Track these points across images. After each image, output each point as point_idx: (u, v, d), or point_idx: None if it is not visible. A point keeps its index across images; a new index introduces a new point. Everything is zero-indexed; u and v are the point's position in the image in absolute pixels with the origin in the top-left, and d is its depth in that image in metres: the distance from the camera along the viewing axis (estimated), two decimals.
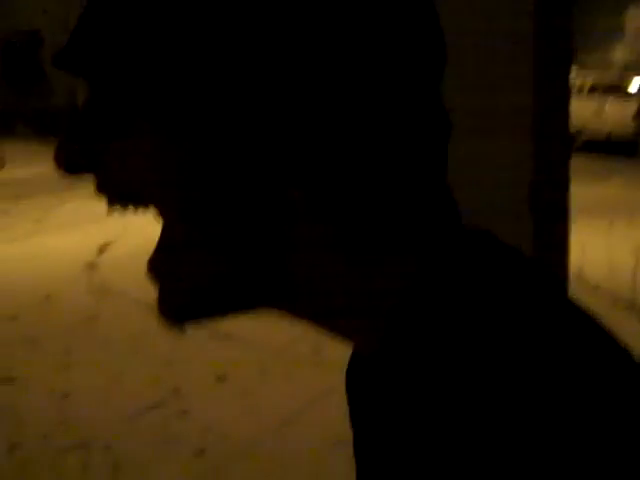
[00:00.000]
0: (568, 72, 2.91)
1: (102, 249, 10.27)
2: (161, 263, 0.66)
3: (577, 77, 19.95)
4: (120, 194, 0.65)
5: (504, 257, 0.62)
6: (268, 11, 0.56)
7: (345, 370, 0.71)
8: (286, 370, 6.10)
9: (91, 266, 9.54)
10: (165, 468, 4.73)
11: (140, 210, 0.65)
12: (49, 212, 13.23)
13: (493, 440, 0.52)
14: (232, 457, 4.80)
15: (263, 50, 0.57)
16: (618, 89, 19.92)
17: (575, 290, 2.54)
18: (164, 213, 0.64)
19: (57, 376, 6.27)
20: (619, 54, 28.74)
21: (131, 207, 0.65)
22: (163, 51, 0.58)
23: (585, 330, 0.57)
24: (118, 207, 0.65)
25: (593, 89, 20.05)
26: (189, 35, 0.57)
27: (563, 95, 2.88)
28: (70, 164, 0.64)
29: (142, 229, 11.12)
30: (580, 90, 19.61)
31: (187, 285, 0.65)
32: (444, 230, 0.63)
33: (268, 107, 0.57)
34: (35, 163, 18.87)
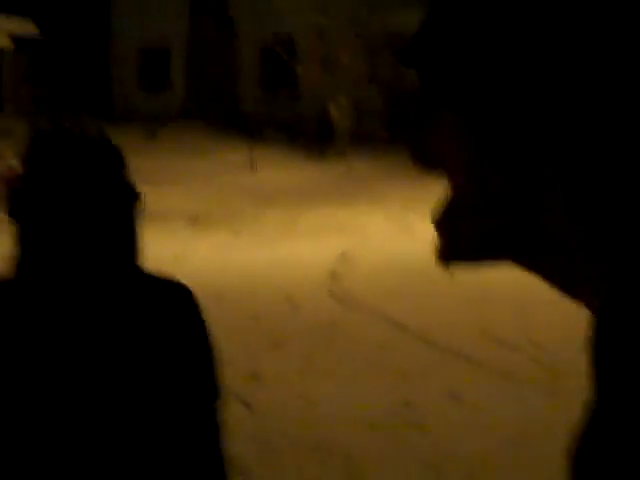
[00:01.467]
0: None
1: (344, 258, 10.65)
2: (444, 219, 0.87)
3: None
4: (429, 165, 0.87)
5: None
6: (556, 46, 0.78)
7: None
8: (519, 394, 6.18)
9: (333, 274, 9.94)
10: (399, 478, 4.96)
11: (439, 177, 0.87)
12: (296, 219, 13.82)
13: None
14: (465, 474, 4.96)
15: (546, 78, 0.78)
16: None
17: None
18: (456, 182, 0.86)
19: (299, 378, 6.63)
20: None
21: (434, 172, 0.87)
22: (480, 60, 0.80)
23: None
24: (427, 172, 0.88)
25: None
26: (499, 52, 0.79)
27: None
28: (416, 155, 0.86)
29: (382, 245, 11.48)
30: None
31: (458, 235, 0.87)
32: None
33: (544, 121, 0.79)
34: (283, 169, 19.69)
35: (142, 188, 1.80)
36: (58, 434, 1.74)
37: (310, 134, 23.38)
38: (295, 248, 11.59)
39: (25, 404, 1.74)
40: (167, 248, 10.89)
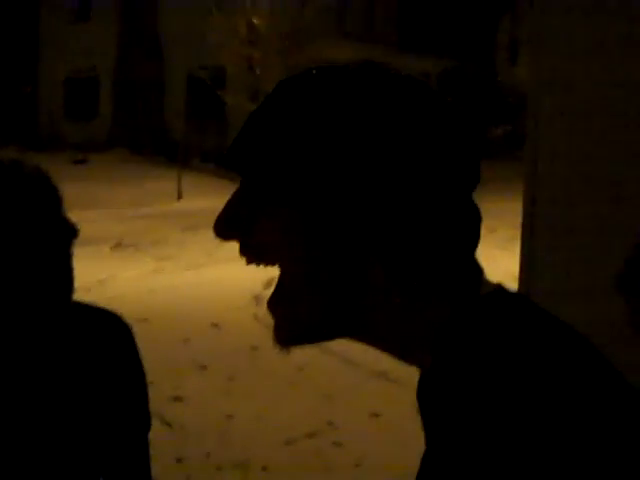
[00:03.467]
0: None
1: (268, 283, 10.69)
2: (277, 303, 0.96)
3: None
4: (255, 256, 0.95)
5: (511, 305, 0.92)
6: (358, 145, 0.89)
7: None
8: None
9: (257, 299, 9.97)
10: None
11: (268, 266, 0.96)
12: (220, 245, 13.80)
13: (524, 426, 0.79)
14: None
15: (357, 172, 0.89)
16: None
17: None
18: (284, 269, 0.95)
19: (221, 399, 6.65)
20: None
21: (262, 264, 0.95)
22: (300, 163, 0.91)
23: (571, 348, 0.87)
24: (254, 264, 0.96)
25: None
26: (316, 157, 0.90)
27: None
28: (223, 235, 0.96)
29: None
30: None
31: (292, 320, 0.96)
32: (470, 288, 0.94)
33: (360, 212, 0.90)
34: (209, 196, 19.67)
35: (67, 212, 1.80)
36: None
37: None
38: (220, 273, 11.61)
39: None
40: (92, 273, 10.82)
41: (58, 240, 1.73)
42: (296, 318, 0.95)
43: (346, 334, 0.97)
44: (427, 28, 26.93)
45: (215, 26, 23.51)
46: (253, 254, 0.96)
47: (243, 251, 0.97)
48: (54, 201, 1.73)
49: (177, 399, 6.60)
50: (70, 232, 1.75)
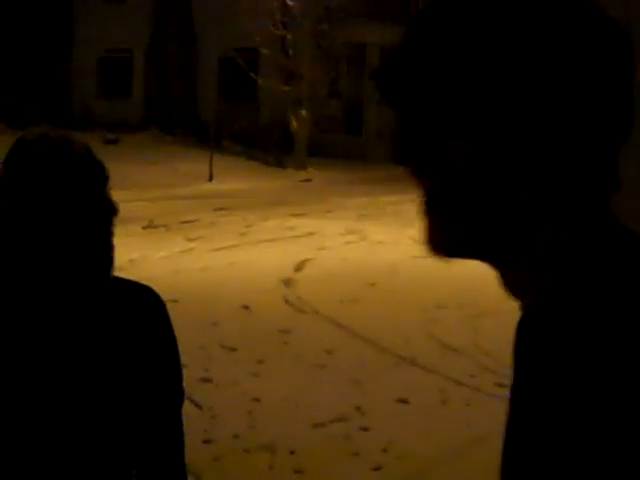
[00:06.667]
0: None
1: (299, 267, 10.73)
2: (440, 210, 0.94)
3: None
4: (424, 177, 0.94)
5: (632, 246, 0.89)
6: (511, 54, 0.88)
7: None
8: (467, 399, 6.28)
9: (287, 282, 10.00)
10: (345, 479, 5.02)
11: (432, 183, 0.94)
12: (251, 227, 13.87)
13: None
14: (409, 475, 5.04)
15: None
16: None
17: None
18: (447, 187, 0.93)
19: (250, 381, 6.68)
20: None
21: (435, 185, 0.93)
22: (461, 78, 0.89)
23: None
24: (417, 184, 0.95)
25: None
26: (474, 76, 0.89)
27: None
28: (400, 159, 0.95)
29: (336, 253, 11.60)
30: None
31: (453, 230, 0.94)
32: (592, 224, 0.91)
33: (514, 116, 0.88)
34: (240, 179, 19.72)
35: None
36: (25, 435, 1.77)
37: (269, 145, 23.44)
38: (251, 255, 11.65)
39: None
40: (123, 252, 10.83)
41: (102, 217, 1.78)
42: (457, 228, 0.94)
43: (486, 257, 0.95)
44: None
45: (248, 8, 23.48)
46: (426, 174, 0.95)
47: (415, 172, 0.95)
48: (100, 178, 1.79)
49: (206, 380, 6.64)
50: (112, 210, 1.81)
